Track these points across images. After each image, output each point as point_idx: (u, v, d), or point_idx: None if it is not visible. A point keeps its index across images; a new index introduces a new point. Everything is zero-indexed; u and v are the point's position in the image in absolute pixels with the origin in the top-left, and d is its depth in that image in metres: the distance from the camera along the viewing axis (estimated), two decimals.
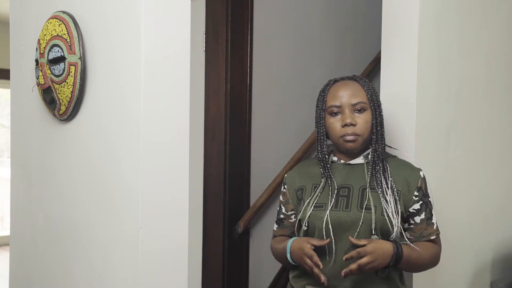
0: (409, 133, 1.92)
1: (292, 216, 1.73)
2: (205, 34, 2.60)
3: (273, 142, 3.00)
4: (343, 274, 1.49)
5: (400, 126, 1.95)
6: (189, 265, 1.64)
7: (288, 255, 1.60)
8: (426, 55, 1.94)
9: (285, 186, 1.74)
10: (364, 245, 1.49)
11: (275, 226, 1.78)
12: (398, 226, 1.56)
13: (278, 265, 2.96)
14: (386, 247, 1.52)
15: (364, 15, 3.44)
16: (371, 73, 3.31)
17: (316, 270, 1.51)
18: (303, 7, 3.13)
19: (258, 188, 2.87)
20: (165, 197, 1.56)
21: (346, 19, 3.36)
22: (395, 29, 1.96)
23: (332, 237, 1.56)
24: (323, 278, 1.50)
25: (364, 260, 1.48)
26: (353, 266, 1.48)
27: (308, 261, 1.52)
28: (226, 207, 2.74)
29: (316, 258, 1.51)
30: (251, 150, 2.88)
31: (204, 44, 2.60)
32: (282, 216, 1.75)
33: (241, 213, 2.79)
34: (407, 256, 1.55)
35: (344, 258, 1.50)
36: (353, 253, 1.49)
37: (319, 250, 1.55)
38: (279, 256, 1.72)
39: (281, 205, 1.75)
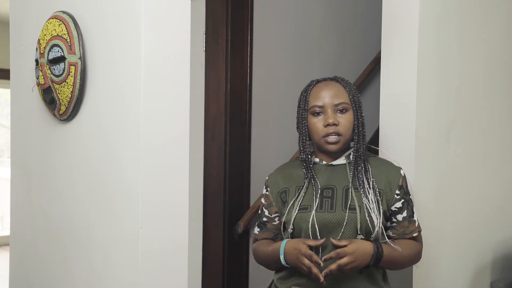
0: (409, 133, 1.92)
1: (276, 219, 1.72)
2: (205, 34, 2.60)
3: (273, 142, 3.00)
4: (323, 274, 1.51)
5: (400, 126, 1.95)
6: (189, 265, 1.64)
7: (282, 257, 1.60)
8: (426, 55, 1.94)
9: (268, 189, 1.73)
10: (344, 246, 1.51)
11: (257, 229, 1.76)
12: (379, 227, 1.58)
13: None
14: (366, 247, 1.54)
15: (364, 15, 3.44)
16: (371, 73, 3.31)
17: (315, 269, 1.51)
18: (303, 7, 3.13)
19: (258, 188, 2.87)
20: (165, 197, 1.56)
21: (346, 19, 3.36)
22: (395, 29, 1.96)
23: (319, 238, 1.57)
24: (322, 278, 1.51)
25: (343, 260, 1.50)
26: (333, 266, 1.50)
27: (306, 261, 1.52)
28: (226, 207, 2.74)
29: (316, 257, 1.51)
30: (251, 150, 2.88)
31: (204, 44, 2.60)
32: (265, 219, 1.74)
33: (241, 213, 2.79)
34: (388, 256, 1.58)
35: (323, 259, 1.51)
36: (332, 254, 1.51)
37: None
38: (266, 258, 1.71)
39: (264, 208, 1.74)
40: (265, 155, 2.95)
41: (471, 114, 2.20)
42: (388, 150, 1.96)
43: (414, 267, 1.91)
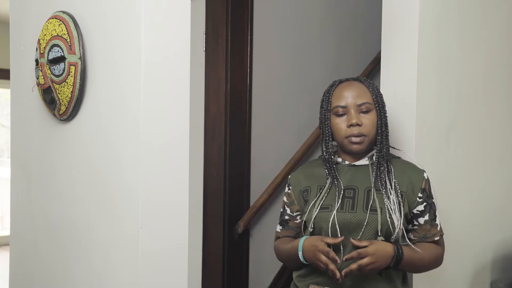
0: (409, 133, 1.92)
1: (298, 217, 1.72)
2: (205, 34, 2.60)
3: (273, 142, 3.00)
4: (343, 273, 1.50)
5: (400, 126, 1.95)
6: (189, 265, 1.64)
7: (300, 253, 1.60)
8: (426, 55, 1.94)
9: (290, 187, 1.73)
10: (365, 246, 1.50)
11: (279, 227, 1.77)
12: (400, 228, 1.57)
13: (278, 265, 2.96)
14: (387, 248, 1.53)
15: (364, 15, 3.44)
16: (371, 73, 3.31)
17: (332, 266, 1.51)
18: (303, 7, 3.13)
19: (258, 188, 2.87)
20: (165, 197, 1.56)
21: (346, 19, 3.36)
22: (395, 29, 1.96)
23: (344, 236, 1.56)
24: (338, 274, 1.50)
25: (364, 261, 1.49)
26: (353, 265, 1.49)
27: (323, 257, 1.52)
28: (226, 207, 2.74)
29: (333, 253, 1.51)
30: (251, 150, 2.88)
31: (204, 44, 2.60)
32: (287, 217, 1.74)
33: (241, 213, 2.79)
34: (408, 258, 1.57)
35: (344, 259, 1.51)
36: (353, 253, 1.50)
37: None
38: (286, 256, 1.71)
39: (286, 206, 1.74)
40: (265, 155, 2.95)
41: (471, 114, 2.20)
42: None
43: None
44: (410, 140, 1.92)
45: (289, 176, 1.76)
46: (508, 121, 2.43)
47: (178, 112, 1.60)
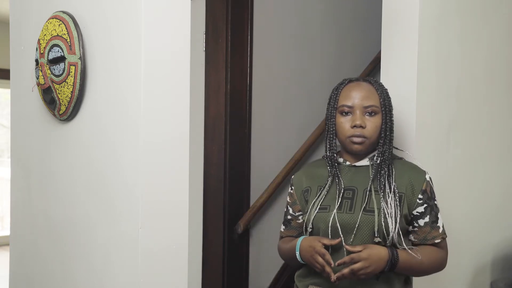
0: (409, 132, 1.92)
1: (300, 217, 1.73)
2: (205, 34, 2.60)
3: (273, 142, 3.00)
4: (335, 277, 1.49)
5: (400, 125, 1.95)
6: (189, 265, 1.64)
7: (297, 253, 1.60)
8: (426, 55, 1.94)
9: (292, 187, 1.74)
10: (359, 251, 1.49)
11: (282, 227, 1.78)
12: (394, 232, 1.55)
13: (278, 265, 2.96)
14: (381, 252, 1.52)
15: (364, 15, 3.44)
16: (371, 73, 3.31)
17: (328, 268, 1.50)
18: (303, 7, 3.13)
19: (258, 188, 2.87)
20: (165, 197, 1.56)
21: (346, 19, 3.36)
22: (395, 29, 1.96)
23: (342, 237, 1.56)
24: (333, 276, 1.50)
25: (357, 265, 1.48)
26: (345, 270, 1.49)
27: (320, 259, 1.52)
28: (226, 207, 2.74)
29: (328, 256, 1.51)
30: (251, 150, 2.88)
31: (204, 44, 2.60)
32: (289, 217, 1.75)
33: (241, 213, 2.79)
34: (404, 262, 1.55)
35: (336, 264, 1.50)
36: (345, 258, 1.49)
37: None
38: (287, 255, 1.72)
39: (288, 206, 1.75)
40: (265, 155, 2.95)
41: (471, 114, 2.20)
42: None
43: None
44: (410, 140, 1.92)
45: (292, 176, 1.77)
46: (508, 121, 2.43)
47: (178, 112, 1.60)
